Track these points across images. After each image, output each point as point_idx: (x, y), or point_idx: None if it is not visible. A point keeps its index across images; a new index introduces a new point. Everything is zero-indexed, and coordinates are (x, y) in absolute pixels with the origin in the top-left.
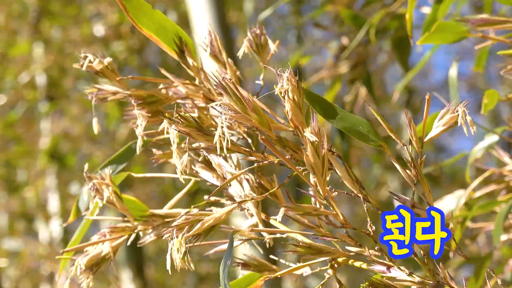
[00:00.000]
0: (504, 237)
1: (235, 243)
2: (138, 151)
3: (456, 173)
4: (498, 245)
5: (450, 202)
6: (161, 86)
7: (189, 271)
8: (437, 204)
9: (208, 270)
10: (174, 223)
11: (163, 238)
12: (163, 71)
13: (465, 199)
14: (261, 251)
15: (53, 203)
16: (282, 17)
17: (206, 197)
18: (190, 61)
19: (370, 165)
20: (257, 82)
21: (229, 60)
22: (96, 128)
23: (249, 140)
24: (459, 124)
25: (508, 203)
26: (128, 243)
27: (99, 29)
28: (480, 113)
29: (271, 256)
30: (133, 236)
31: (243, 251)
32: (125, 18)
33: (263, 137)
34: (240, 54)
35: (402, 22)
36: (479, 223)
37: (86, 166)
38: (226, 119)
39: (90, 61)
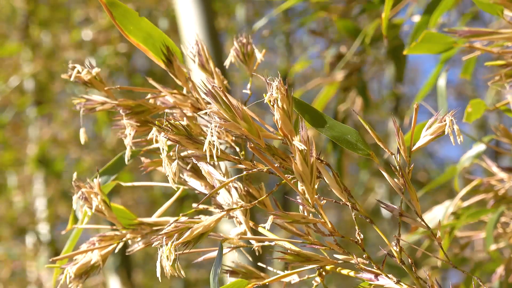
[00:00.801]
0: (493, 246)
1: (224, 251)
2: (127, 162)
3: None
4: (488, 254)
5: (438, 212)
6: (149, 96)
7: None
8: (426, 215)
9: (196, 276)
10: (164, 231)
11: (153, 245)
12: (151, 81)
13: (453, 208)
14: (250, 259)
15: (41, 208)
16: (271, 23)
17: (194, 205)
18: (177, 70)
19: (357, 171)
20: (244, 91)
21: (217, 69)
22: (83, 138)
23: (237, 149)
24: (446, 133)
25: (497, 212)
26: (116, 251)
27: (88, 34)
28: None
29: (260, 264)
30: (122, 243)
31: (232, 258)
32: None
33: (252, 145)
34: (227, 63)
35: (397, 31)
36: (467, 232)
37: (75, 175)
38: (215, 127)
39: (78, 72)
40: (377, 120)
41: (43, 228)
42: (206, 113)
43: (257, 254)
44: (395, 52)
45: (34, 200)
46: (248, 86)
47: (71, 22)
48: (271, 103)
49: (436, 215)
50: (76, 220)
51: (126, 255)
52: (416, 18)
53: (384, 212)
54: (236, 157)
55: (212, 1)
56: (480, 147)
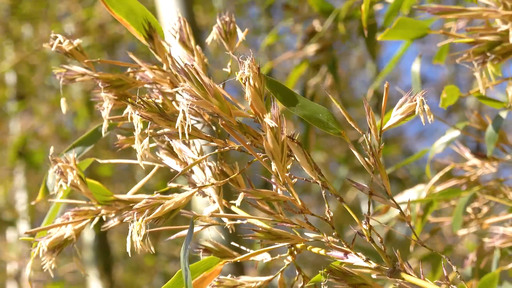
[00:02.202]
0: (464, 231)
1: (196, 228)
2: (103, 134)
3: (422, 175)
4: (458, 239)
5: (410, 196)
6: (128, 70)
7: (157, 271)
8: (397, 198)
9: (175, 269)
10: (135, 207)
11: (124, 221)
12: (131, 55)
13: (426, 193)
14: (223, 237)
15: (21, 201)
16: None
17: (169, 183)
18: (158, 46)
19: (337, 167)
20: (224, 69)
21: (197, 47)
22: (64, 108)
23: (214, 128)
24: (416, 113)
25: (469, 194)
26: (95, 244)
27: (69, 27)
28: (449, 118)
29: (233, 243)
30: (100, 238)
31: (211, 237)
32: (93, 13)
33: (224, 122)
34: (208, 40)
35: (370, 10)
36: (440, 218)
37: (51, 149)
38: (187, 104)
39: (60, 42)
40: (358, 117)
41: (24, 221)
42: (180, 90)
43: (230, 232)
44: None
45: (15, 193)
46: (229, 64)
47: (52, 16)
48: (243, 81)
49: (406, 198)
50: (47, 192)
51: (105, 248)
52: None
53: (364, 209)
54: (208, 135)
55: None
56: (453, 133)
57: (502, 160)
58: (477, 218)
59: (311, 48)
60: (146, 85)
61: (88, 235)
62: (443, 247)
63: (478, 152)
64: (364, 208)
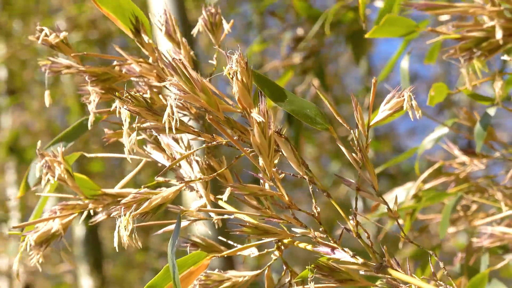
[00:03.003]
0: (452, 229)
1: (183, 223)
2: (89, 127)
3: (412, 170)
4: (446, 237)
5: (399, 194)
6: (115, 63)
7: (148, 267)
8: (386, 196)
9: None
10: (122, 201)
11: (111, 215)
12: (118, 49)
13: (414, 190)
14: (210, 233)
15: (12, 197)
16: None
17: (156, 177)
18: (145, 39)
19: (329, 163)
20: (210, 61)
21: (184, 39)
22: (47, 101)
23: (200, 122)
24: (404, 108)
25: (456, 196)
26: (86, 240)
27: (60, 23)
28: (440, 116)
29: (221, 238)
30: (91, 234)
31: (200, 232)
32: (84, 9)
33: (211, 117)
34: (194, 32)
35: (357, 15)
36: (429, 215)
37: (39, 143)
38: (175, 99)
39: (46, 34)
40: (350, 114)
41: (15, 217)
42: (168, 84)
43: (217, 227)
44: (354, 36)
45: (5, 189)
46: (214, 56)
47: (43, 11)
48: (231, 76)
49: (397, 195)
50: (28, 187)
51: (96, 244)
52: (379, 4)
53: (354, 202)
54: (196, 130)
55: None
56: (442, 130)
57: (491, 157)
58: (466, 215)
59: (297, 57)
60: (132, 79)
61: (79, 231)
62: (432, 245)
63: (467, 149)
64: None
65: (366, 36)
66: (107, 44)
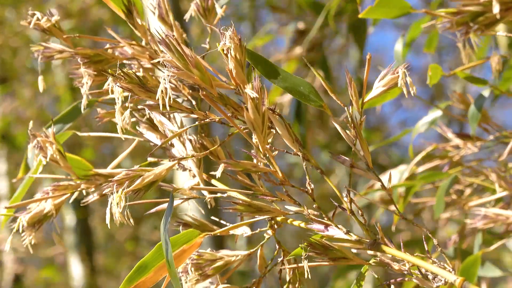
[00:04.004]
0: (446, 215)
1: (175, 202)
2: (83, 111)
3: (403, 161)
4: (441, 222)
5: (393, 177)
6: (107, 45)
7: (138, 256)
8: (381, 177)
9: None
10: (115, 178)
11: (104, 192)
12: (110, 31)
13: (408, 173)
14: (202, 212)
15: (3, 186)
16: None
17: (148, 156)
18: (137, 21)
19: (319, 153)
20: (203, 45)
21: (176, 22)
22: (41, 86)
23: (194, 102)
24: (399, 85)
25: (449, 178)
26: (77, 229)
27: (53, 12)
28: (434, 103)
29: (213, 218)
30: (82, 223)
31: (190, 212)
32: None
33: (205, 93)
34: (187, 17)
35: (356, 5)
36: (422, 198)
37: (31, 124)
38: (168, 76)
39: (38, 19)
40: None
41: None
42: (160, 62)
43: (210, 206)
44: (355, 26)
45: None
46: (207, 40)
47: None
48: (224, 53)
49: (391, 173)
50: (28, 169)
51: (87, 233)
52: None
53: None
54: (189, 107)
55: None
56: (436, 113)
57: (485, 141)
58: (460, 199)
59: (300, 49)
60: (125, 61)
61: (70, 220)
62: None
63: (461, 132)
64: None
65: (360, 16)
66: (99, 33)
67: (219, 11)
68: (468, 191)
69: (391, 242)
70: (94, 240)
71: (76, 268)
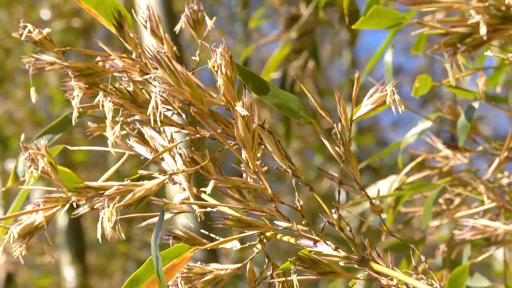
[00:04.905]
0: (436, 223)
1: (166, 216)
2: (73, 122)
3: (396, 164)
4: (430, 229)
5: (382, 187)
6: (98, 58)
7: (130, 257)
8: (369, 189)
9: (148, 256)
10: (106, 193)
11: (95, 207)
12: (101, 44)
13: (397, 183)
14: (192, 226)
15: None
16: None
17: (139, 170)
18: (128, 34)
19: (312, 156)
20: (193, 58)
21: (167, 35)
22: (34, 97)
23: (184, 116)
24: (387, 103)
25: (438, 188)
26: (69, 229)
27: (46, 13)
28: (423, 109)
29: (203, 231)
30: (74, 224)
31: (184, 225)
32: None
33: (195, 110)
34: (177, 29)
35: None
36: (411, 208)
37: (22, 136)
38: (159, 91)
39: (29, 31)
40: (333, 106)
41: None
42: (151, 78)
43: (200, 220)
44: (349, 17)
45: None
46: (197, 52)
47: (29, 1)
48: (215, 69)
49: (379, 189)
50: (16, 177)
51: (78, 233)
52: None
53: (337, 195)
54: (180, 123)
55: None
56: (426, 124)
57: (474, 151)
58: (449, 209)
59: (293, 33)
60: (116, 74)
61: (62, 220)
62: (415, 238)
63: (451, 143)
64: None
65: (353, 27)
66: (91, 32)
67: (209, 23)
68: (457, 200)
69: (379, 257)
70: (86, 240)
71: (68, 269)
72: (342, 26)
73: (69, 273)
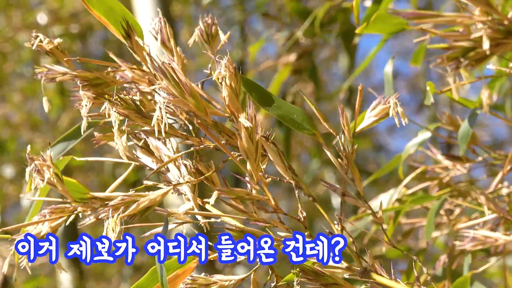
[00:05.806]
0: (437, 233)
1: (170, 226)
2: (83, 133)
3: (394, 171)
4: (431, 241)
5: (383, 199)
6: (109, 69)
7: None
8: (371, 202)
9: (142, 260)
10: (110, 204)
11: (99, 217)
12: (111, 55)
13: (397, 195)
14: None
15: None
16: (225, 10)
17: (144, 180)
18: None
19: (309, 160)
20: (205, 71)
21: (178, 48)
22: (46, 106)
23: (190, 127)
24: (390, 115)
25: (440, 199)
26: (65, 233)
27: (42, 17)
28: (420, 113)
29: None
30: (70, 228)
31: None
32: (65, 2)
33: (199, 121)
34: (190, 42)
35: (347, 15)
36: (412, 219)
37: (28, 148)
38: (164, 102)
39: (40, 41)
40: (330, 111)
41: None
42: (157, 88)
43: (204, 230)
44: (345, 36)
45: None
46: (209, 66)
47: (25, 4)
48: (219, 81)
49: (382, 201)
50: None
51: (75, 236)
52: (368, 3)
53: (334, 202)
54: (184, 133)
55: None
56: (425, 134)
57: (474, 161)
58: (449, 220)
59: (292, 56)
60: (125, 85)
61: None
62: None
63: (450, 154)
64: (335, 201)
65: (357, 31)
66: (88, 37)
67: (223, 37)
68: (457, 210)
69: (381, 268)
70: None
71: (64, 273)
72: (340, 45)
73: (65, 276)
